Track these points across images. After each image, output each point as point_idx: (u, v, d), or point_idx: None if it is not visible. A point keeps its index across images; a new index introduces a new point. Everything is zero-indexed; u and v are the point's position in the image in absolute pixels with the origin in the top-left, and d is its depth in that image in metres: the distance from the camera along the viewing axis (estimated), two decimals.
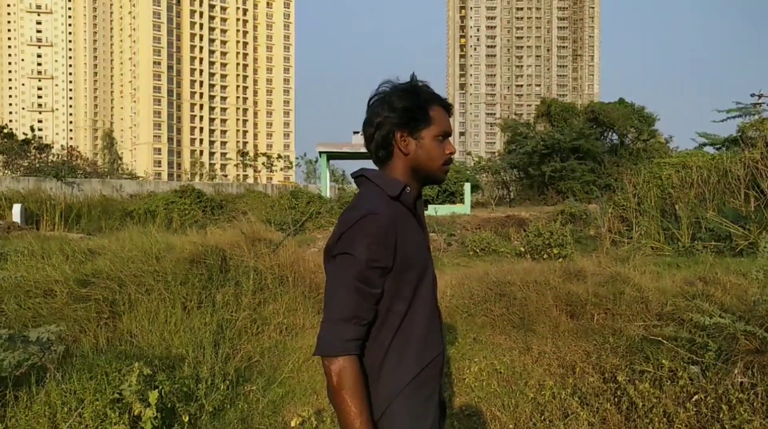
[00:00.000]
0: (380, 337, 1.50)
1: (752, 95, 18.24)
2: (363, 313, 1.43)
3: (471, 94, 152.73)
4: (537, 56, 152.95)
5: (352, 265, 1.42)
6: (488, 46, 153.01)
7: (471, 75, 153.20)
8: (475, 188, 30.63)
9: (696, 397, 3.58)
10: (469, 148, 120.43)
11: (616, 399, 3.81)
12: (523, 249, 11.79)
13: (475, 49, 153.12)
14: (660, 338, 4.26)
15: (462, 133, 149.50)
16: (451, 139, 1.66)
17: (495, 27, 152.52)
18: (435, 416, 1.56)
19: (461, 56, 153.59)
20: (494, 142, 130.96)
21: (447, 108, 1.64)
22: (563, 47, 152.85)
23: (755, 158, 11.46)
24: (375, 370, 1.49)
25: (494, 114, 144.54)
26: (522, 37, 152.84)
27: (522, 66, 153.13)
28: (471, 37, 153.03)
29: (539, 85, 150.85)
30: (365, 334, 1.46)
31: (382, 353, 1.49)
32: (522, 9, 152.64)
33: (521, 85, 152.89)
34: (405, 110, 1.56)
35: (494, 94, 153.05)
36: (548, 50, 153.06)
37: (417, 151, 1.58)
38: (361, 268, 1.42)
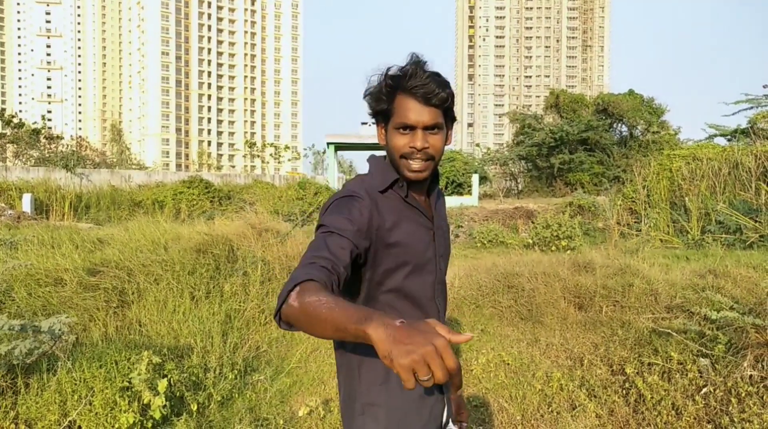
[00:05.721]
0: None
1: (765, 86, 18.03)
2: (323, 252, 1.25)
3: (479, 85, 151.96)
4: (546, 47, 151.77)
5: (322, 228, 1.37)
6: (497, 37, 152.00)
7: (479, 66, 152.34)
8: (483, 180, 30.55)
9: (705, 389, 3.57)
10: (477, 140, 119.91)
11: (624, 391, 3.81)
12: (531, 241, 11.75)
13: (483, 39, 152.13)
14: (669, 331, 4.24)
15: (470, 125, 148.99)
16: (426, 131, 1.44)
17: (504, 17, 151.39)
18: (433, 414, 1.53)
19: (470, 47, 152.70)
20: (502, 134, 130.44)
21: (422, 97, 1.41)
22: (573, 38, 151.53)
23: (767, 150, 11.35)
24: (354, 361, 1.49)
25: (502, 105, 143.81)
26: (531, 28, 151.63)
27: (531, 57, 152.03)
28: (480, 27, 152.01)
29: (548, 76, 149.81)
30: (326, 274, 1.20)
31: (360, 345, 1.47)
32: None
33: (530, 76, 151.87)
34: (368, 99, 1.50)
35: (503, 85, 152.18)
36: (557, 41, 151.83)
37: (387, 143, 1.50)
38: (329, 223, 1.35)
